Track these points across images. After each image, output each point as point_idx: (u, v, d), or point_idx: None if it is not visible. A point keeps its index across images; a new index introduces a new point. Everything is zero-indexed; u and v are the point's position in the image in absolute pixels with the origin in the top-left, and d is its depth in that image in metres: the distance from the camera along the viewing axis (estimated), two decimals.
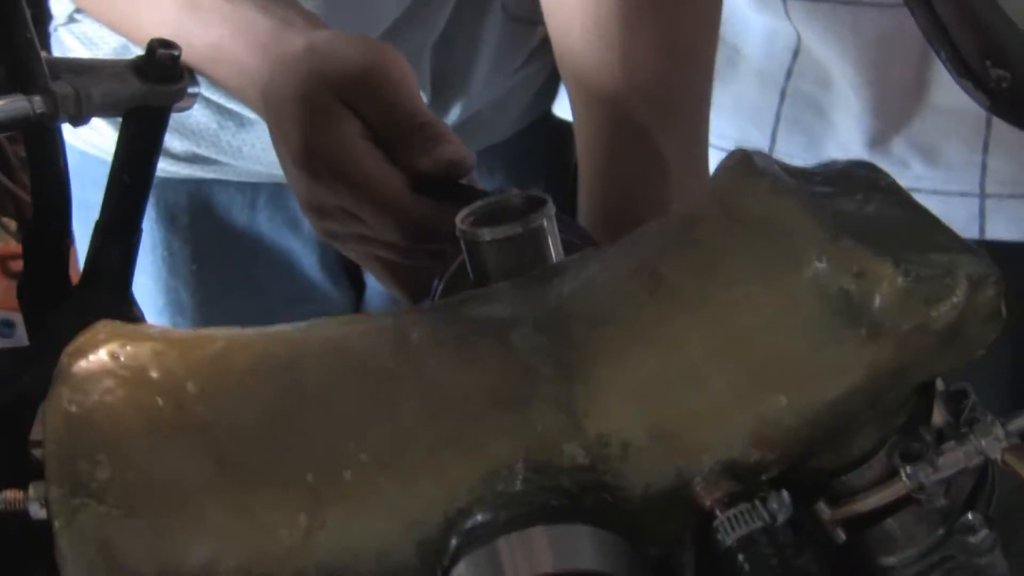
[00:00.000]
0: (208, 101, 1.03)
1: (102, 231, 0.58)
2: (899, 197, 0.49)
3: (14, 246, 2.77)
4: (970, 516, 0.50)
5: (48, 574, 0.50)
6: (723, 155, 0.50)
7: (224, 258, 1.11)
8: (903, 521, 0.50)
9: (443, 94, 1.07)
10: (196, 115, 1.04)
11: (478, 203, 0.54)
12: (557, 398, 0.45)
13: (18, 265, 2.56)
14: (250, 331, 0.49)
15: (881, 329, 0.44)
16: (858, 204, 0.47)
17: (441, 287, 0.60)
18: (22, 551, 0.52)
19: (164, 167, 1.07)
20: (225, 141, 1.06)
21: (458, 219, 0.53)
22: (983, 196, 0.98)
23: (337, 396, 0.46)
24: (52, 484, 0.44)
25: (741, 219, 0.47)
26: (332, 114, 0.72)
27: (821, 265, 0.44)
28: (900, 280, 0.44)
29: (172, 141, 1.05)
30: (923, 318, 0.44)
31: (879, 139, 0.99)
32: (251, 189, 1.11)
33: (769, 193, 0.46)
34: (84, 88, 0.53)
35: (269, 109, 0.75)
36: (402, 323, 0.48)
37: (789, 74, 1.00)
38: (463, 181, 0.71)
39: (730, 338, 0.45)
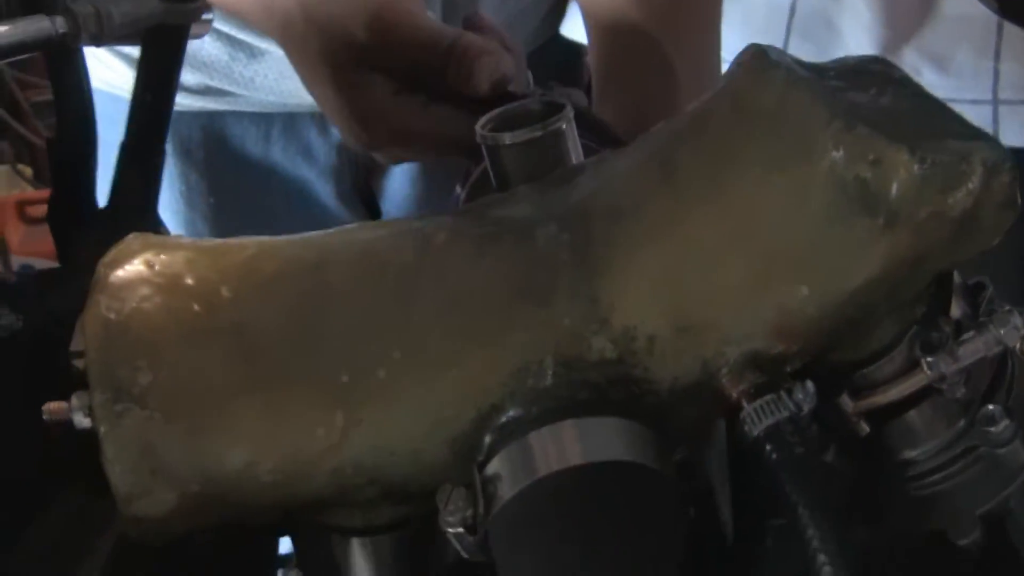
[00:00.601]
0: (219, 32, 1.02)
1: (127, 152, 0.59)
2: (912, 89, 0.49)
3: (31, 192, 2.78)
4: (990, 407, 0.51)
5: (88, 487, 0.51)
6: None
7: (240, 190, 1.12)
8: (924, 413, 0.51)
9: (453, 17, 1.06)
10: (208, 47, 1.04)
11: (497, 109, 0.54)
12: (582, 292, 0.46)
13: (35, 211, 2.57)
14: (279, 238, 0.50)
15: (898, 216, 0.45)
16: (872, 97, 0.48)
17: (464, 194, 0.61)
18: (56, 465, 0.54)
19: (178, 100, 1.08)
20: (237, 72, 1.06)
21: (478, 125, 0.54)
22: (996, 103, 0.98)
23: (366, 296, 0.47)
24: (95, 391, 0.45)
25: (755, 111, 0.47)
26: (358, 84, 0.71)
27: (837, 154, 0.45)
28: (916, 167, 0.44)
29: (185, 74, 1.05)
30: (939, 205, 0.45)
31: (889, 48, 0.99)
32: (264, 120, 1.10)
33: (783, 85, 0.47)
34: (104, 7, 0.53)
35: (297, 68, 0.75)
36: (426, 224, 0.49)
37: None
38: (512, 88, 0.70)
39: (747, 225, 0.46)
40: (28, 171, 3.00)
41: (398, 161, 0.74)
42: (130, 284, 0.47)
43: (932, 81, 1.00)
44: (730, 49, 0.51)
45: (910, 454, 0.52)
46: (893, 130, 0.45)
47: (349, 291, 0.47)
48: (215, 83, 1.06)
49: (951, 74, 0.99)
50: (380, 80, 0.71)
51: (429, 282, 0.47)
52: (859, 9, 0.98)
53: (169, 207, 1.09)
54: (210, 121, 1.09)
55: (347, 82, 0.71)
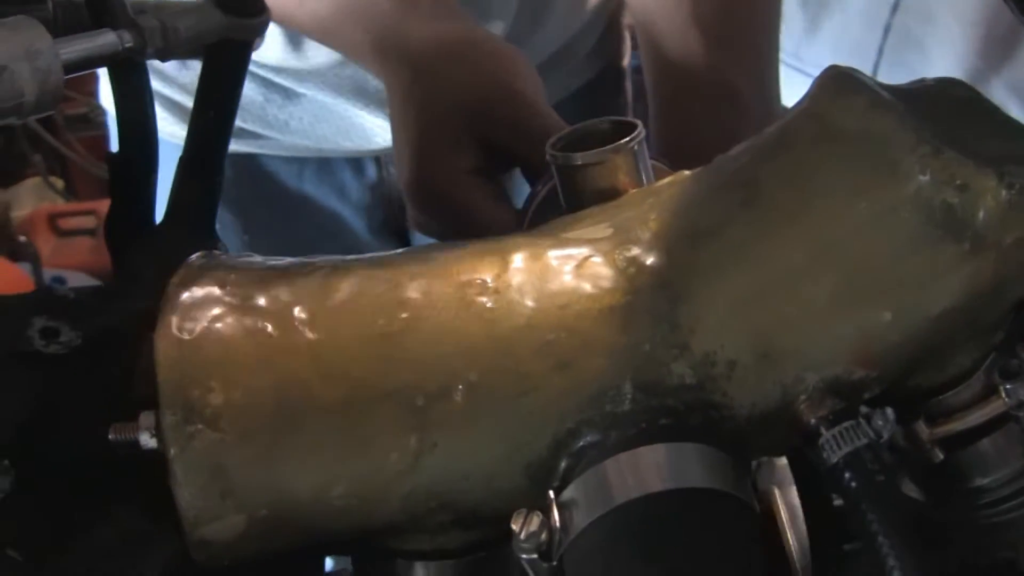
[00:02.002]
0: (253, 74, 1.02)
1: (186, 166, 0.59)
2: (993, 113, 0.48)
3: (62, 204, 2.79)
4: None
5: (140, 508, 0.51)
6: None
7: (274, 225, 1.10)
8: (998, 441, 0.51)
9: (524, 28, 1.05)
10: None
11: (567, 129, 0.54)
12: (662, 317, 0.45)
13: (66, 224, 2.58)
14: (351, 258, 0.49)
15: (984, 242, 0.44)
16: (955, 120, 0.47)
17: (531, 213, 0.60)
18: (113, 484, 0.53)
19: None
20: (272, 115, 1.05)
21: (548, 145, 0.53)
22: None
23: (441, 316, 0.46)
24: (166, 411, 0.45)
25: (839, 133, 0.46)
26: (447, 146, 0.70)
27: (924, 178, 0.44)
28: (1004, 192, 0.44)
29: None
30: None
31: (978, 79, 0.98)
32: (298, 161, 1.09)
33: (868, 108, 0.46)
34: (170, 21, 0.53)
35: (390, 113, 0.74)
36: (502, 244, 0.48)
37: (895, 8, 0.99)
38: None
39: (830, 249, 0.45)
40: (60, 183, 3.01)
41: (424, 230, 0.73)
42: (201, 303, 0.46)
43: (1018, 116, 0.98)
44: (819, 66, 0.50)
45: (981, 481, 0.51)
46: (979, 155, 0.45)
47: (425, 311, 0.46)
48: (248, 125, 1.05)
49: None
50: (467, 152, 0.70)
51: (507, 303, 0.46)
52: (954, 35, 0.97)
53: None
54: (243, 160, 1.08)
55: (438, 140, 0.70)
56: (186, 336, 0.46)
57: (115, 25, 0.52)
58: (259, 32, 0.57)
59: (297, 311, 0.46)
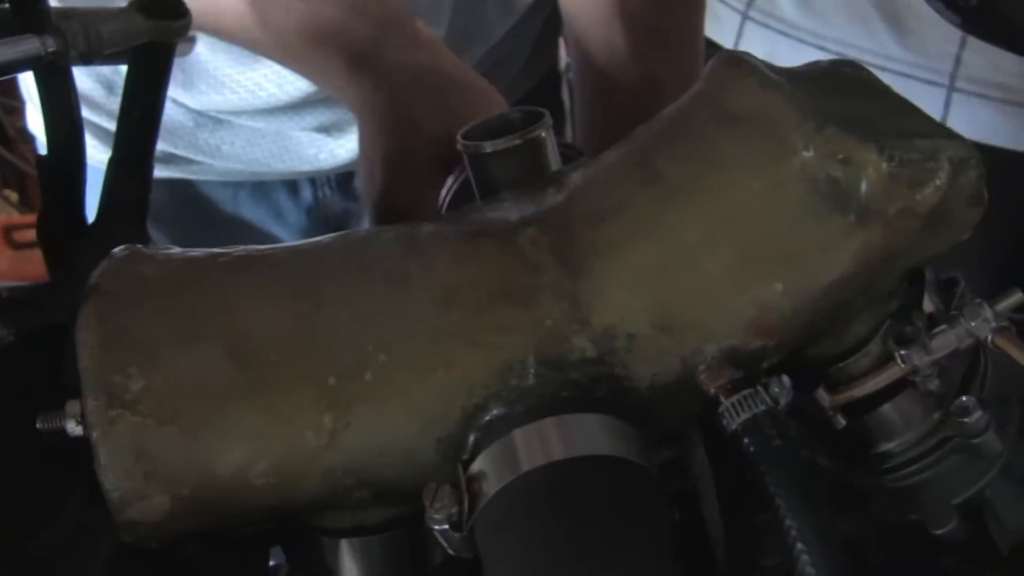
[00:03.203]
0: (180, 104, 1.02)
1: (116, 165, 0.60)
2: (882, 91, 0.50)
3: (17, 217, 2.78)
4: (964, 399, 0.52)
5: (89, 495, 0.52)
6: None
7: (207, 245, 1.10)
8: (900, 406, 0.53)
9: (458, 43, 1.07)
10: (172, 113, 1.03)
11: (478, 120, 0.56)
12: (563, 293, 0.47)
13: (22, 236, 2.57)
14: (266, 246, 0.51)
15: (869, 213, 0.46)
16: (842, 98, 0.49)
17: (446, 202, 0.62)
18: (61, 474, 0.55)
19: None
20: (203, 140, 1.05)
21: (459, 135, 0.55)
22: (951, 90, 0.98)
23: (352, 299, 0.48)
24: (88, 397, 0.46)
25: (730, 113, 0.48)
26: (418, 176, 0.71)
27: (808, 154, 0.46)
28: (885, 165, 0.46)
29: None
30: (908, 201, 0.46)
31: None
32: (233, 186, 1.10)
33: (757, 88, 0.48)
34: (92, 26, 0.55)
35: (361, 135, 0.75)
36: (410, 230, 0.50)
37: None
38: None
39: (722, 223, 0.47)
40: (14, 196, 2.99)
41: None
42: (122, 292, 0.48)
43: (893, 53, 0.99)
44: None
45: (887, 446, 0.53)
46: (862, 130, 0.47)
47: (337, 295, 0.48)
48: (180, 151, 1.05)
49: (911, 49, 0.99)
50: (439, 181, 0.70)
51: (414, 285, 0.48)
52: None
53: None
54: (178, 185, 1.09)
55: (409, 168, 0.71)
56: (106, 324, 0.47)
57: (39, 30, 0.54)
58: (181, 34, 0.59)
59: (215, 298, 0.48)
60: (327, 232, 1.13)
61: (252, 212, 1.11)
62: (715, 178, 0.48)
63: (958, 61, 0.98)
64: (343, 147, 1.05)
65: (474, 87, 0.75)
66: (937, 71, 0.99)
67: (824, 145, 0.46)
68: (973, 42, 0.98)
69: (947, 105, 0.99)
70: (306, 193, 1.11)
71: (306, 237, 1.11)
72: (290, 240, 1.10)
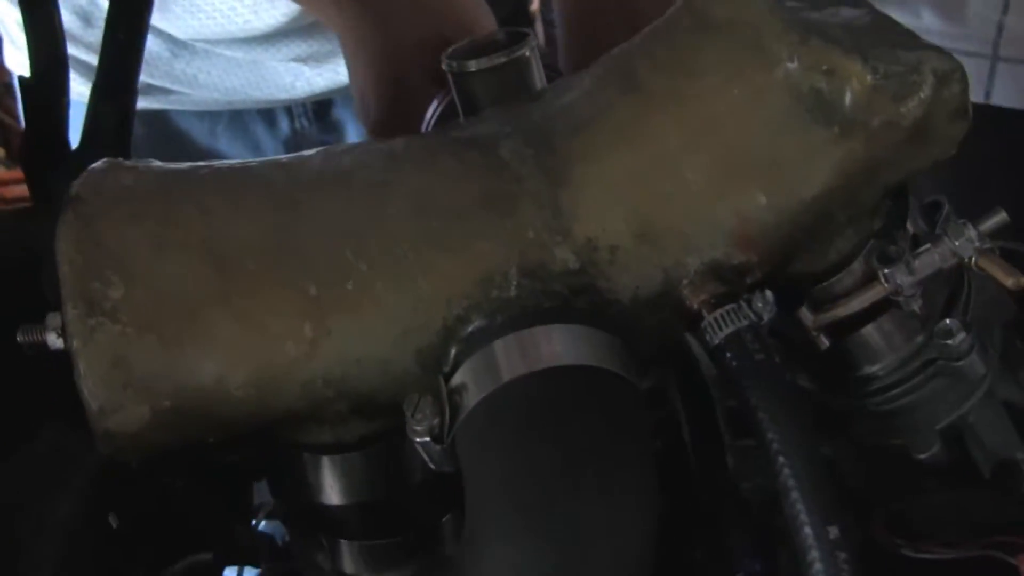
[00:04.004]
0: (159, 31, 1.01)
1: (99, 91, 0.60)
2: (867, 7, 0.50)
3: (4, 172, 2.77)
4: (948, 321, 0.52)
5: (67, 419, 0.52)
6: None
7: None
8: (883, 327, 0.52)
9: None
10: (148, 43, 1.01)
11: (463, 41, 0.55)
12: (545, 203, 0.47)
13: (10, 192, 2.56)
14: (246, 160, 0.51)
15: (852, 125, 0.46)
16: (827, 13, 0.49)
17: (431, 126, 0.61)
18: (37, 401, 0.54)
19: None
20: (180, 69, 1.05)
21: (445, 55, 0.55)
22: (995, 59, 0.97)
23: (333, 209, 0.48)
24: (68, 305, 0.46)
25: (713, 23, 0.48)
26: (408, 87, 0.70)
27: (792, 65, 0.46)
28: (869, 77, 0.46)
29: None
30: (892, 113, 0.46)
31: None
32: (209, 116, 1.10)
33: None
34: None
35: (347, 58, 0.76)
36: (392, 142, 0.50)
37: None
38: None
39: (704, 133, 0.47)
40: (1, 152, 2.96)
41: None
42: (101, 202, 0.48)
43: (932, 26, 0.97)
44: None
45: (870, 369, 0.53)
46: (847, 42, 0.46)
47: (317, 204, 0.48)
48: (156, 81, 1.05)
49: (951, 20, 0.97)
50: (432, 89, 0.70)
51: (395, 195, 0.48)
52: None
53: None
54: (154, 118, 1.08)
55: (398, 81, 0.71)
56: (86, 234, 0.47)
57: None
58: None
59: (193, 207, 0.48)
60: None
61: (229, 145, 1.11)
62: (695, 86, 0.48)
63: (1000, 28, 0.96)
64: (320, 75, 1.05)
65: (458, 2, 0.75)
66: (980, 40, 0.97)
67: (808, 56, 0.46)
68: (1016, 4, 0.97)
69: (992, 75, 0.97)
70: (283, 124, 1.11)
71: None
72: None
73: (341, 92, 1.09)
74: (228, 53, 1.02)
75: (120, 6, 0.59)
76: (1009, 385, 0.55)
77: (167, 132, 1.09)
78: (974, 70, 0.97)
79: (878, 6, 0.97)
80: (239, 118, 1.10)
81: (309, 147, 1.12)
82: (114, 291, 0.46)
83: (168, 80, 1.05)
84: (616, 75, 0.49)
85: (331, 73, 1.05)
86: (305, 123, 1.11)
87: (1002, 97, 0.98)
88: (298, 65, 1.03)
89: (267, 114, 1.10)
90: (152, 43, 1.00)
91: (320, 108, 1.11)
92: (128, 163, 0.50)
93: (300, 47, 1.02)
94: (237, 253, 0.47)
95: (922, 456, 0.54)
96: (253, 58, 1.03)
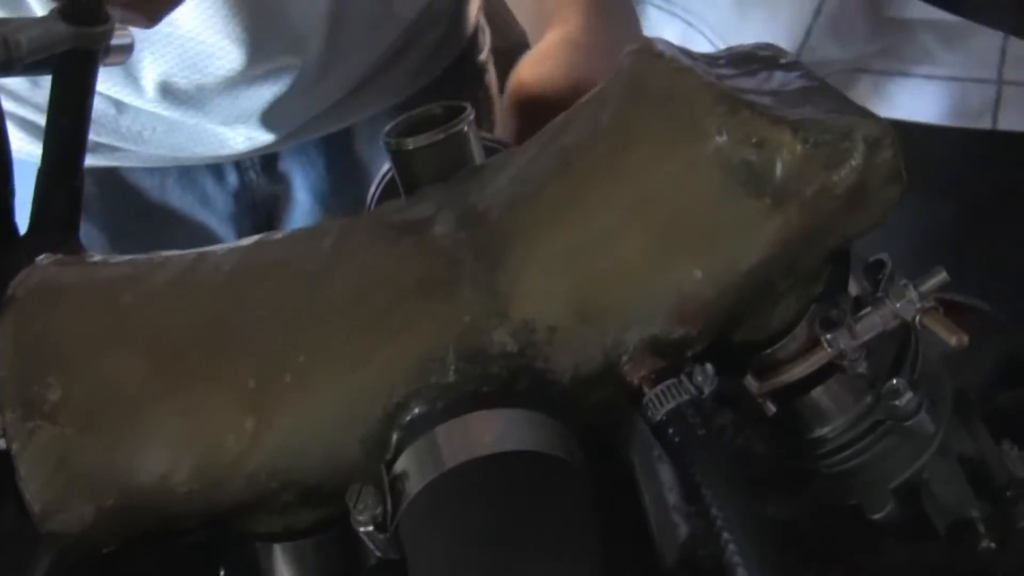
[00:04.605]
0: (102, 95, 1.02)
1: (45, 176, 0.60)
2: (799, 72, 0.50)
3: None
4: (895, 381, 0.52)
5: (17, 507, 0.52)
6: None
7: (141, 240, 1.11)
8: (830, 390, 0.52)
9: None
10: (95, 102, 1.02)
11: (401, 116, 0.55)
12: (481, 285, 0.47)
13: None
14: (187, 251, 0.51)
15: (785, 196, 0.46)
16: (759, 81, 0.49)
17: (375, 198, 0.61)
18: None
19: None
20: (125, 127, 1.05)
21: (384, 132, 0.55)
22: (1000, 83, 0.96)
23: (268, 301, 0.48)
24: (7, 409, 0.46)
25: (645, 96, 0.48)
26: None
27: (722, 138, 0.46)
28: (799, 147, 0.46)
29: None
30: (825, 182, 0.46)
31: None
32: (159, 172, 1.10)
33: (670, 71, 0.48)
34: (12, 34, 0.54)
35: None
36: (327, 228, 0.50)
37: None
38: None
39: (635, 205, 0.47)
40: None
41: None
42: (38, 302, 0.48)
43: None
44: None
45: (820, 431, 0.53)
46: (776, 112, 0.46)
47: (253, 295, 0.48)
48: (103, 139, 1.05)
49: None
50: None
51: (331, 283, 0.48)
52: None
53: None
54: (104, 174, 1.09)
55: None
56: (22, 335, 0.47)
57: None
58: (104, 40, 0.58)
59: (130, 303, 0.48)
60: (255, 217, 1.14)
61: (180, 199, 1.11)
62: (627, 160, 0.47)
63: (1003, 51, 0.96)
64: (260, 132, 1.05)
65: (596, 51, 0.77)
66: (983, 65, 0.97)
67: (737, 128, 0.46)
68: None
69: (998, 100, 0.97)
70: (231, 178, 1.11)
71: (234, 222, 1.13)
72: (219, 226, 1.11)
73: (285, 144, 1.09)
74: (167, 113, 1.02)
75: (62, 90, 0.59)
76: (963, 439, 0.55)
77: (118, 189, 1.10)
78: (979, 96, 0.97)
79: (876, 30, 0.97)
80: (188, 173, 1.10)
81: (259, 199, 1.15)
82: (52, 393, 0.46)
83: (115, 138, 1.05)
84: (551, 151, 0.49)
85: (266, 131, 1.05)
86: (253, 175, 1.12)
87: (1009, 121, 0.98)
88: (232, 129, 1.04)
89: (215, 168, 1.10)
90: (98, 101, 1.00)
91: (267, 161, 1.12)
92: (67, 258, 0.50)
93: (226, 110, 1.02)
94: (175, 348, 0.47)
95: (877, 516, 0.53)
96: (188, 119, 1.04)
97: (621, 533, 0.54)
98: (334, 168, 1.14)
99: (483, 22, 1.22)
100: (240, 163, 1.11)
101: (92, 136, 0.99)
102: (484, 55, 1.21)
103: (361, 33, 1.05)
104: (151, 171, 1.09)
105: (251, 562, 0.51)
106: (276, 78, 1.02)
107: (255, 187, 1.12)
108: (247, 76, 1.00)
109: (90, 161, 1.04)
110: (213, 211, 1.13)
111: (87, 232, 1.08)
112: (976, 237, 0.98)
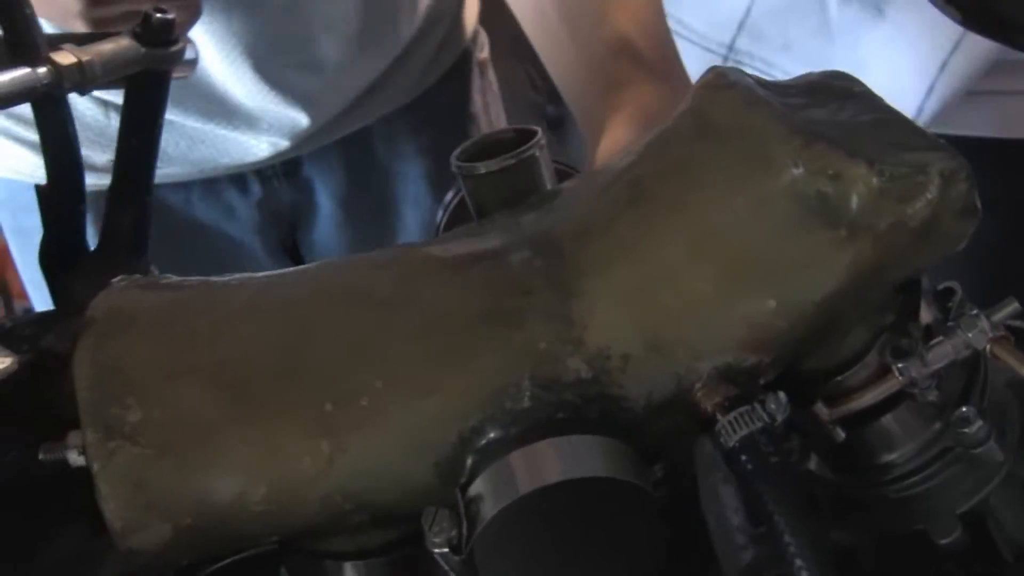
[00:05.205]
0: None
1: (115, 194, 0.61)
2: (872, 103, 0.50)
3: None
4: (964, 409, 0.52)
5: (87, 526, 0.52)
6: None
7: (168, 254, 1.10)
8: (899, 417, 0.52)
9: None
10: (114, 123, 1.00)
11: (471, 140, 0.56)
12: (556, 314, 0.47)
13: None
14: (258, 275, 0.51)
15: (859, 228, 0.46)
16: (831, 112, 0.49)
17: (443, 221, 0.62)
18: (62, 505, 0.55)
19: (90, 181, 1.08)
20: None
21: (454, 156, 0.55)
22: None
23: (346, 325, 0.48)
24: (88, 429, 0.47)
25: (716, 129, 0.49)
26: None
27: (797, 170, 0.46)
28: (875, 180, 0.46)
29: (95, 154, 1.04)
30: (899, 215, 0.46)
31: None
32: (183, 187, 1.11)
33: (743, 104, 0.48)
34: (87, 57, 0.55)
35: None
36: (404, 254, 0.50)
37: None
38: None
39: (707, 239, 0.47)
40: None
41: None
42: (118, 325, 0.49)
43: None
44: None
45: (888, 457, 0.53)
46: (851, 144, 0.47)
47: (329, 321, 0.48)
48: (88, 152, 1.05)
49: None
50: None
51: (407, 309, 0.48)
52: None
53: None
54: None
55: None
56: (103, 358, 0.48)
57: (32, 62, 0.54)
58: (176, 60, 0.59)
59: (206, 328, 0.48)
60: (279, 227, 1.15)
61: (205, 213, 1.12)
62: (699, 195, 0.48)
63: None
64: (280, 140, 1.07)
65: None
66: None
67: (813, 161, 0.46)
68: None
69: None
70: (255, 188, 1.12)
71: (260, 234, 1.14)
72: (244, 237, 1.12)
73: (305, 148, 1.11)
74: (191, 124, 1.03)
75: (133, 110, 0.60)
76: None
77: None
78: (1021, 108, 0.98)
79: None
80: (211, 187, 1.11)
81: (283, 208, 1.15)
82: (132, 415, 0.47)
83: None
84: (622, 183, 0.50)
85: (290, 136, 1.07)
86: (276, 184, 1.13)
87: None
88: (254, 137, 1.06)
89: (238, 180, 1.11)
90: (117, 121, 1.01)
91: (289, 167, 1.13)
92: (144, 281, 0.51)
93: (247, 119, 1.04)
94: (251, 374, 0.47)
95: (943, 542, 0.53)
96: (215, 131, 1.05)
97: (680, 555, 0.54)
98: (353, 170, 1.15)
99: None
100: (262, 172, 1.12)
101: (112, 156, 1.01)
102: (485, 53, 1.23)
103: (377, 40, 1.07)
104: (175, 187, 1.10)
105: None
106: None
107: (278, 195, 1.13)
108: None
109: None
110: (238, 223, 1.14)
111: None
112: (1018, 249, 0.98)
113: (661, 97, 0.86)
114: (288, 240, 1.17)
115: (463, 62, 1.20)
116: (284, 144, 1.08)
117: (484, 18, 1.25)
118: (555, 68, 1.00)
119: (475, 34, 1.23)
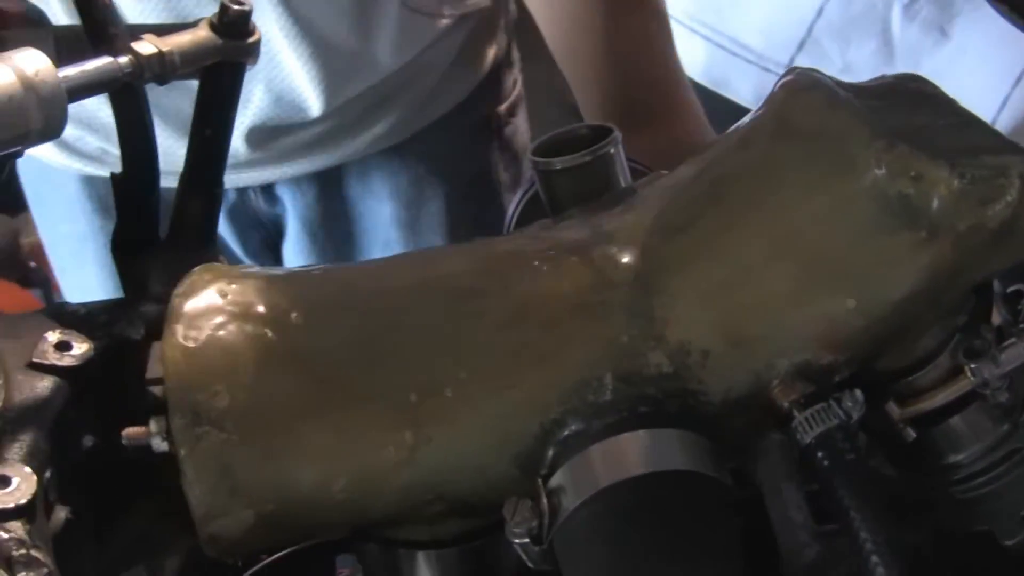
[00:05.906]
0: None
1: (186, 183, 0.61)
2: (947, 105, 0.51)
3: None
4: None
5: (156, 509, 0.53)
6: None
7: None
8: (969, 418, 0.53)
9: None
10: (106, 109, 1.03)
11: (547, 135, 0.56)
12: (638, 310, 0.48)
13: None
14: (342, 265, 0.52)
15: (939, 229, 0.47)
16: (908, 113, 0.50)
17: (515, 215, 0.63)
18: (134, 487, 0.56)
19: (81, 167, 1.09)
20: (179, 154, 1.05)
21: (529, 151, 0.56)
22: None
23: (431, 317, 0.49)
24: (175, 415, 0.47)
25: (797, 130, 0.49)
26: None
27: (880, 172, 0.47)
28: (956, 182, 0.46)
29: (84, 137, 1.07)
30: (979, 217, 0.47)
31: None
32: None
33: (824, 105, 0.49)
34: (166, 47, 0.56)
35: None
36: (484, 246, 0.51)
37: None
38: None
39: (792, 241, 0.48)
40: None
41: None
42: (204, 313, 0.49)
43: None
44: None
45: (955, 458, 0.53)
46: (932, 147, 0.47)
47: (414, 313, 0.49)
48: (112, 147, 1.04)
49: None
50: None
51: (491, 302, 0.49)
52: None
53: (95, 261, 1.12)
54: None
55: None
56: (191, 344, 0.48)
57: (114, 52, 0.54)
58: (252, 52, 0.59)
59: (292, 317, 0.49)
60: (259, 230, 1.14)
61: None
62: (780, 194, 0.49)
63: None
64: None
65: None
66: None
67: (895, 163, 0.47)
68: None
69: None
70: (230, 194, 1.12)
71: (237, 236, 1.13)
72: (231, 241, 1.12)
73: (277, 172, 1.10)
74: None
75: (208, 100, 0.60)
76: None
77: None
78: None
79: None
80: None
81: (259, 216, 1.14)
82: (219, 400, 0.47)
83: (111, 143, 1.05)
84: (704, 181, 0.50)
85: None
86: (252, 195, 1.13)
87: None
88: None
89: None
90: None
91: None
92: (226, 269, 0.52)
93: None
94: (337, 364, 0.48)
95: (1008, 543, 0.54)
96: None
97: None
98: (324, 198, 1.13)
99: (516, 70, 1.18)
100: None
101: (103, 143, 1.03)
102: (505, 106, 1.16)
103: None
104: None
105: (393, 567, 0.52)
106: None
107: (255, 206, 1.13)
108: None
109: (93, 168, 1.07)
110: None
111: (107, 231, 1.09)
112: None
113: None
114: (271, 239, 1.17)
115: (467, 111, 1.13)
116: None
117: (519, 21, 1.18)
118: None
119: (491, 83, 1.15)
